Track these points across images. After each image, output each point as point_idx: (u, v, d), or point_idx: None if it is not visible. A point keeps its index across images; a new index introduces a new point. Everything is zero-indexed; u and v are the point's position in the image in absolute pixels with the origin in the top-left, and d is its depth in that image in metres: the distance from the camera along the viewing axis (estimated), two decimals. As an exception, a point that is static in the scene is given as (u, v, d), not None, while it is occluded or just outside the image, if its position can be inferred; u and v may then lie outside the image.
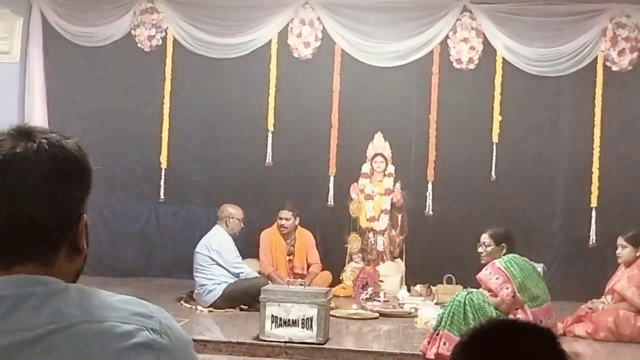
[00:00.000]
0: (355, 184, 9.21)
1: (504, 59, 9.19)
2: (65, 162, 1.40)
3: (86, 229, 1.46)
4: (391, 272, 8.97)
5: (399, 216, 9.22)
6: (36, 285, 1.35)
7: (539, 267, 8.86)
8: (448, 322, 5.63)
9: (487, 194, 9.41)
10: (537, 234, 9.37)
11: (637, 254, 6.95)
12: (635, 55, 8.94)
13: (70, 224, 1.42)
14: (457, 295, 5.81)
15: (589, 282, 8.44)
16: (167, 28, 9.43)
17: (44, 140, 1.39)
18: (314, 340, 5.81)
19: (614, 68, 9.01)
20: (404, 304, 7.97)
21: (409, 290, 8.77)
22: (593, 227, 9.19)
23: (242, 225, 7.94)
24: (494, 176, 9.28)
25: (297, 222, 8.59)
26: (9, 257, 1.38)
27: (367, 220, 9.10)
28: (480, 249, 6.03)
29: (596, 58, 9.04)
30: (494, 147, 9.30)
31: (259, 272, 8.04)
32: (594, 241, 9.13)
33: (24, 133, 1.41)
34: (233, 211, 7.88)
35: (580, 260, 9.21)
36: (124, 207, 9.74)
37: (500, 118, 9.29)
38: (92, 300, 1.37)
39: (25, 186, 1.36)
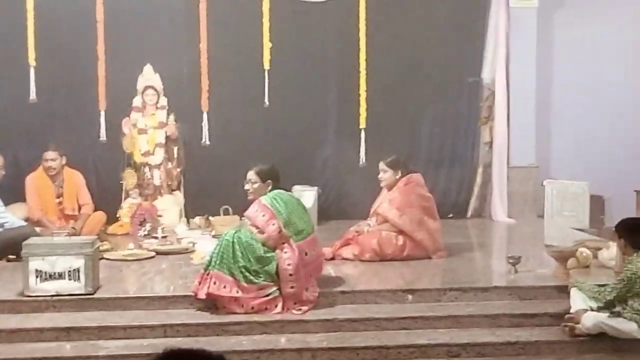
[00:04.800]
0: (127, 118, 8.99)
1: (270, -15, 9.21)
2: None
3: None
4: (170, 206, 8.93)
5: (175, 149, 9.14)
6: None
7: (314, 191, 9.22)
8: (218, 262, 5.70)
9: (262, 121, 9.53)
10: (312, 157, 9.66)
11: (397, 177, 7.32)
12: (396, -22, 9.25)
13: None
14: (225, 234, 5.87)
15: (362, 201, 8.81)
16: None
17: None
18: (82, 292, 5.69)
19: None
20: (182, 238, 7.97)
21: (188, 223, 8.79)
22: (363, 147, 9.60)
23: (4, 172, 7.52)
24: (267, 103, 9.38)
25: (63, 162, 8.25)
26: None
27: (142, 155, 8.96)
28: (247, 186, 6.10)
29: (359, -17, 9.27)
30: (266, 74, 9.37)
31: (27, 219, 7.71)
32: (364, 161, 9.54)
33: None
34: (-9, 160, 7.43)
35: (353, 181, 9.60)
36: None
37: (270, 45, 9.34)
38: None
39: None
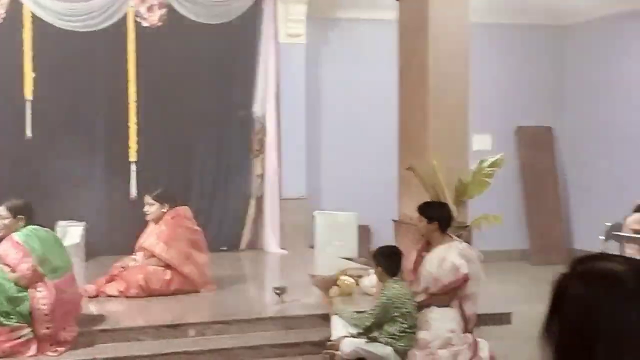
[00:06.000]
0: None
1: (33, 13, 8.82)
2: None
3: None
4: None
5: None
6: None
7: (80, 226, 8.86)
8: (-38, 306, 5.32)
9: (23, 153, 9.05)
10: (79, 190, 9.28)
11: (164, 211, 7.22)
12: (163, 11, 9.17)
13: None
14: (-29, 275, 5.50)
15: (133, 235, 8.58)
16: None
17: None
18: None
19: (144, 24, 9.17)
20: None
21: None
22: (133, 181, 9.38)
23: None
24: (29, 135, 8.94)
25: None
26: None
27: None
28: (-4, 223, 5.74)
29: (127, 14, 9.10)
30: (28, 104, 8.93)
31: None
32: (135, 195, 9.32)
33: None
34: None
35: (124, 215, 9.33)
36: None
37: (33, 74, 8.92)
38: None
39: None
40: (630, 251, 6.67)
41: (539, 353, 1.64)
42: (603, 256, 1.59)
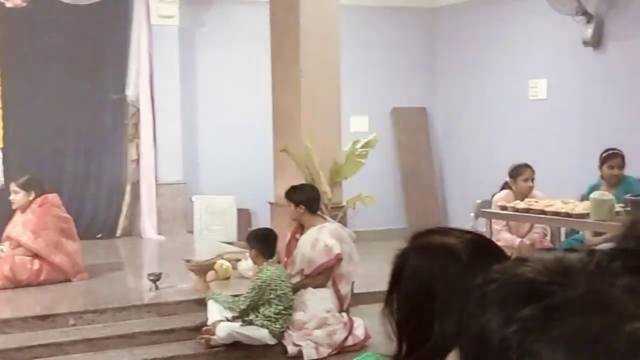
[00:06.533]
0: None
1: None
2: None
3: None
4: None
5: None
6: None
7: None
8: None
9: None
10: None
11: (31, 199, 6.96)
12: (28, -9, 8.80)
13: None
14: None
15: (1, 225, 8.26)
16: None
17: None
18: None
19: (8, 5, 8.75)
20: None
21: None
22: (0, 167, 9.01)
23: None
24: None
25: None
26: None
27: None
28: None
29: (-12, -6, 8.70)
30: None
31: None
32: (2, 182, 8.95)
33: None
34: None
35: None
36: None
37: None
38: None
39: None
40: (497, 227, 6.89)
41: (382, 328, 1.65)
42: (440, 230, 1.61)
